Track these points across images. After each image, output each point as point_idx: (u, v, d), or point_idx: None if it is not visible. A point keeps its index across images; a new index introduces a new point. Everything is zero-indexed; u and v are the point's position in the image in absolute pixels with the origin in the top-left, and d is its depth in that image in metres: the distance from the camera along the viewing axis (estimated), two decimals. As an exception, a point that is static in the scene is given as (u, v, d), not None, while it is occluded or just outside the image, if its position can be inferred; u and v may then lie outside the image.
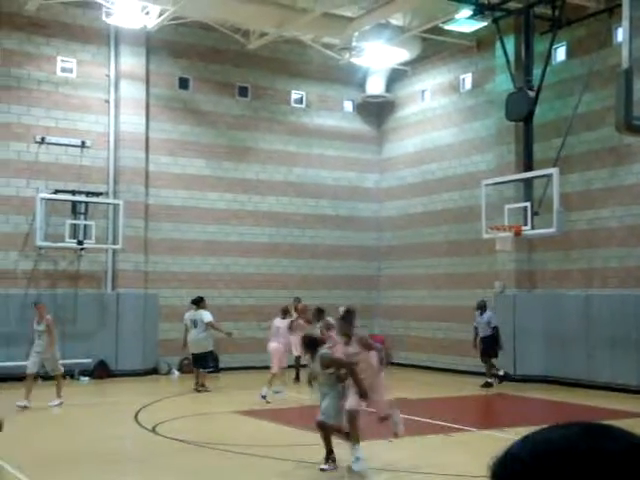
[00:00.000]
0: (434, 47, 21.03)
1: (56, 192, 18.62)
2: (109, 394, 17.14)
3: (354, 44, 20.31)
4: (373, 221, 23.25)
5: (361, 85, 22.89)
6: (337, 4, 18.24)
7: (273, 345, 15.80)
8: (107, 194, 19.52)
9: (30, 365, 14.13)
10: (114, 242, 19.07)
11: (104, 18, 18.26)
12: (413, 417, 12.65)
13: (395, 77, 22.70)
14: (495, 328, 17.38)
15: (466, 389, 17.31)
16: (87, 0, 18.29)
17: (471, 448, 10.68)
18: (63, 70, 19.25)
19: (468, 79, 20.78)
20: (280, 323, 16.10)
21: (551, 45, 16.97)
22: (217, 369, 19.67)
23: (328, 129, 22.73)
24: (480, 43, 20.06)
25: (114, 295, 19.32)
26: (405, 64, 21.90)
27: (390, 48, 20.03)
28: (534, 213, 16.04)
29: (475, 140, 20.33)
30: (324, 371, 9.22)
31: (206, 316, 16.64)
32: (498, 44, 18.15)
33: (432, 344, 21.18)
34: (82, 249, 18.75)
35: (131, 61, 19.80)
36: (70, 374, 17.85)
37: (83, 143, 19.28)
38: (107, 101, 19.69)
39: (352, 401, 9.13)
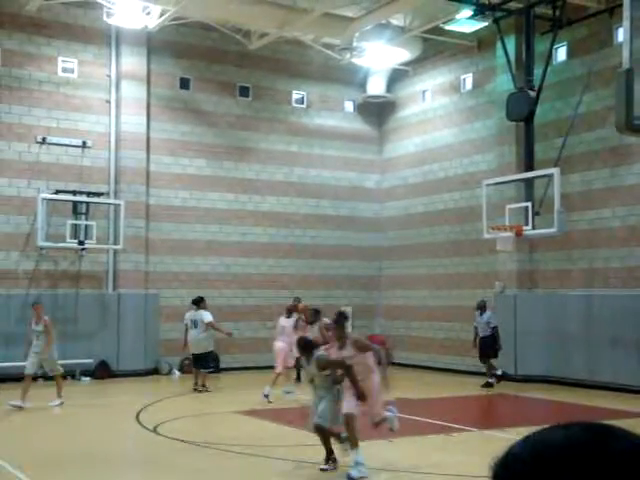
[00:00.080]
0: (435, 47, 21.04)
1: (57, 192, 18.63)
2: (110, 394, 17.14)
3: (355, 44, 20.30)
4: (374, 221, 23.25)
5: (362, 85, 22.89)
6: (338, 4, 18.25)
7: (279, 344, 15.76)
8: (108, 194, 19.53)
9: (28, 366, 14.13)
10: (115, 242, 19.07)
11: (105, 18, 18.26)
12: (413, 417, 12.66)
13: (396, 77, 22.71)
14: (494, 328, 17.38)
15: (467, 389, 17.31)
16: (88, 0, 18.30)
17: (472, 448, 10.68)
18: (64, 70, 19.26)
19: (469, 79, 20.78)
20: (285, 322, 16.04)
21: (552, 45, 16.98)
22: (218, 369, 19.67)
23: (329, 129, 22.73)
24: (481, 43, 20.07)
25: (115, 295, 19.33)
26: (406, 64, 21.91)
27: (391, 48, 20.04)
28: (535, 213, 16.04)
29: (476, 140, 20.33)
30: (320, 373, 9.19)
31: (206, 316, 16.63)
32: (499, 44, 18.15)
33: (433, 344, 21.18)
34: (83, 249, 18.75)
35: (132, 61, 19.81)
36: (71, 374, 17.87)
37: (84, 143, 19.29)
38: (108, 101, 19.70)
39: (349, 405, 9.07)
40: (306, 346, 9.51)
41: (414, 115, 22.44)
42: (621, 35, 13.05)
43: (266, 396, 14.69)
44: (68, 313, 18.35)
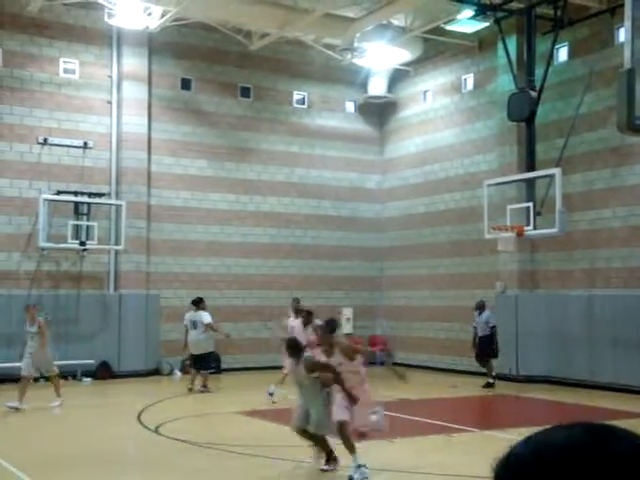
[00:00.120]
0: (436, 48, 21.03)
1: (58, 193, 18.65)
2: (111, 395, 17.15)
3: (356, 45, 20.29)
4: (375, 222, 23.25)
5: (363, 86, 22.89)
6: (339, 5, 18.25)
7: None
8: (109, 195, 19.54)
9: (24, 367, 14.10)
10: (116, 243, 19.07)
11: (106, 19, 18.27)
12: (414, 417, 12.66)
13: (397, 78, 22.70)
14: (493, 328, 17.38)
15: (467, 389, 17.30)
16: (89, 1, 18.30)
17: (472, 448, 10.67)
18: (65, 71, 19.27)
19: (470, 79, 20.78)
20: (294, 322, 16.01)
21: (553, 45, 16.97)
22: (219, 370, 19.67)
23: (330, 130, 22.73)
24: (482, 43, 20.06)
25: (116, 296, 19.34)
26: (407, 65, 21.91)
27: (392, 49, 20.03)
28: (536, 213, 16.03)
29: (477, 140, 20.33)
30: (309, 375, 9.14)
31: (205, 317, 16.63)
32: (500, 44, 18.15)
33: (434, 344, 21.17)
34: (84, 250, 18.76)
35: (133, 62, 19.82)
36: (73, 375, 17.89)
37: (85, 144, 19.30)
38: (109, 102, 19.71)
39: (339, 412, 9.04)
40: (295, 348, 9.46)
41: (415, 115, 22.44)
42: (622, 35, 13.06)
43: (271, 394, 14.67)
44: (69, 314, 18.37)
